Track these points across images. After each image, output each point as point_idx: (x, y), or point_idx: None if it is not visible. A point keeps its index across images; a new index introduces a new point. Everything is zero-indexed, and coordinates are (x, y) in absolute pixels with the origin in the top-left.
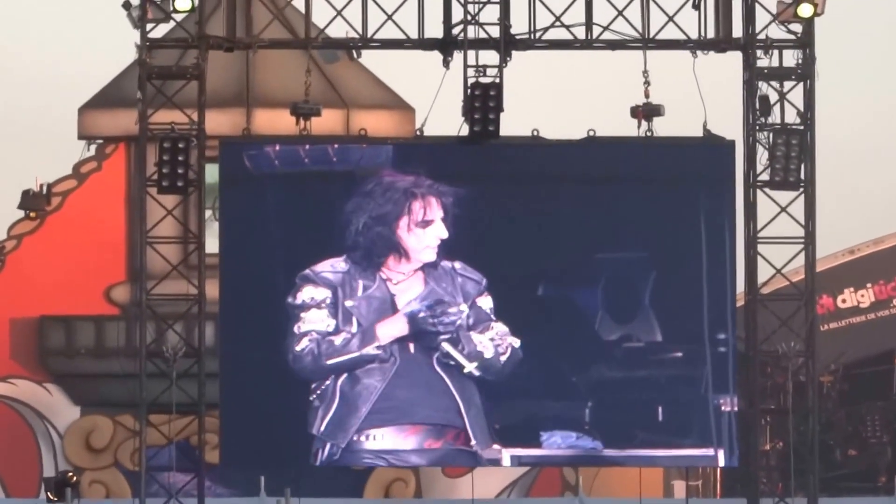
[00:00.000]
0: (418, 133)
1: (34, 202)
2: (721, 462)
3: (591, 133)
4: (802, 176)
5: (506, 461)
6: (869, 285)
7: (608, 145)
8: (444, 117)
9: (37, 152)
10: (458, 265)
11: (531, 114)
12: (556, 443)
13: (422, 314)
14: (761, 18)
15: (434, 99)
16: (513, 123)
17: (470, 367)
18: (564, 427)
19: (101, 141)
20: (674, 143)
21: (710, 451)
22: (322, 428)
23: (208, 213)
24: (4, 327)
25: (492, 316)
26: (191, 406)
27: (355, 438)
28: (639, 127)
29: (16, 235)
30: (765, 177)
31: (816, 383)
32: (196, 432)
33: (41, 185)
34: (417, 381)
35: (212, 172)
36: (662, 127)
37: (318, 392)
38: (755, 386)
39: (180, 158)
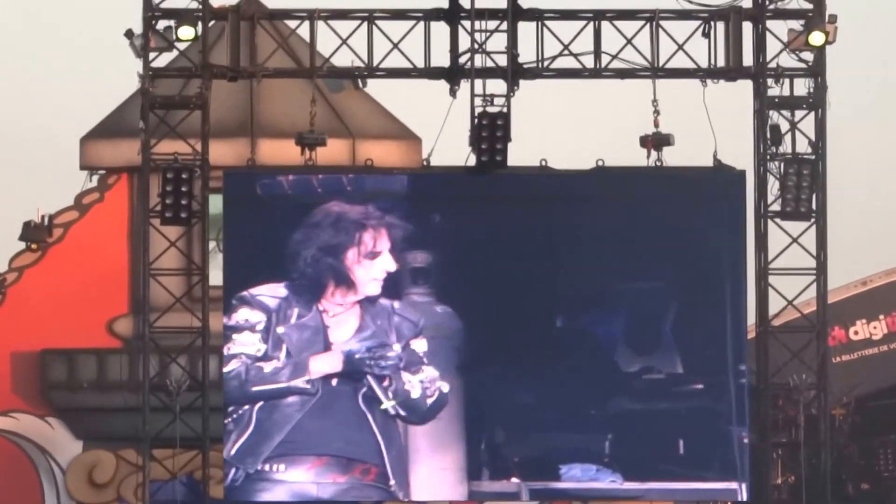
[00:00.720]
0: (425, 163)
1: (35, 234)
2: (744, 496)
3: (600, 163)
4: (814, 206)
5: (524, 495)
6: (882, 317)
7: (617, 175)
8: (451, 147)
9: (38, 183)
10: (397, 304)
11: (539, 143)
12: (575, 476)
13: (358, 355)
14: (772, 47)
15: (441, 128)
16: (521, 153)
17: (387, 405)
18: (584, 460)
19: (103, 171)
20: (683, 172)
21: (733, 485)
22: (232, 452)
23: (212, 244)
24: (5, 361)
25: (424, 360)
26: (195, 440)
27: (261, 467)
28: (648, 156)
29: (17, 268)
30: (776, 207)
31: (828, 416)
32: (200, 466)
33: (42, 217)
34: (335, 414)
35: (216, 203)
36: (672, 156)
37: (234, 416)
38: (767, 419)
39: (184, 189)
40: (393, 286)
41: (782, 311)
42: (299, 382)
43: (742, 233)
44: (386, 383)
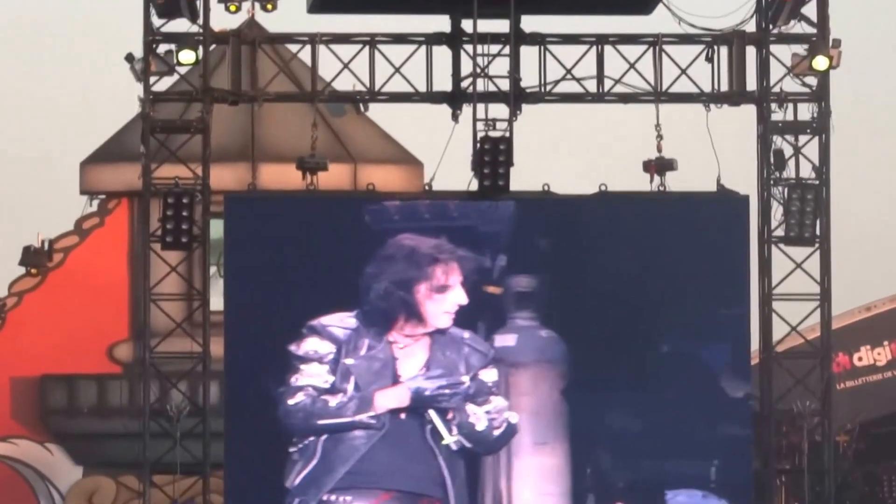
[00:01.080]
0: (427, 188)
1: (35, 258)
2: None
3: (603, 188)
4: (818, 231)
5: None
6: (886, 343)
7: (624, 198)
8: (453, 172)
9: (38, 207)
10: (467, 335)
11: (541, 168)
12: (681, 502)
13: (428, 392)
14: (776, 71)
15: (443, 153)
16: (523, 178)
17: (449, 440)
18: (690, 485)
19: (103, 196)
20: (687, 198)
21: None
22: (296, 482)
23: (213, 269)
24: (5, 386)
25: (493, 390)
26: (195, 466)
27: (325, 498)
28: (651, 181)
29: (17, 292)
30: (779, 232)
31: (832, 443)
32: (201, 493)
33: (42, 241)
34: (401, 448)
35: (216, 228)
36: (675, 181)
37: (300, 446)
38: (770, 445)
39: (184, 214)
40: (497, 311)
41: (786, 336)
42: (364, 417)
43: (745, 258)
44: (450, 416)
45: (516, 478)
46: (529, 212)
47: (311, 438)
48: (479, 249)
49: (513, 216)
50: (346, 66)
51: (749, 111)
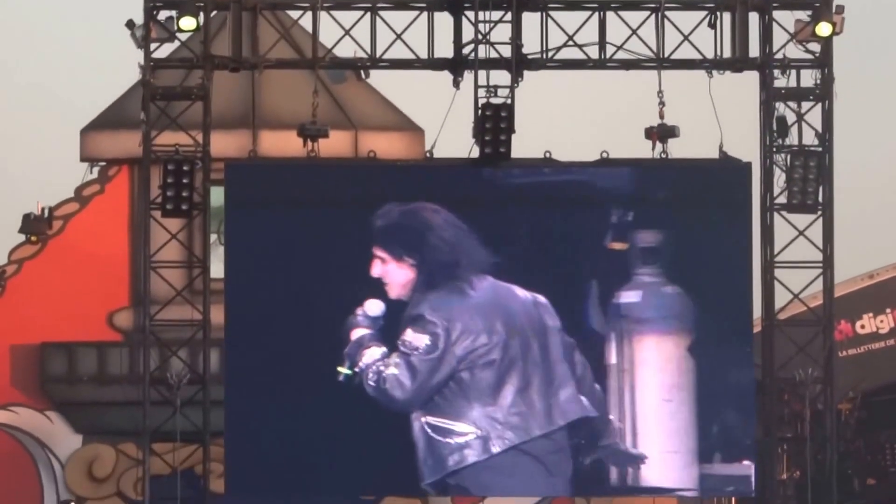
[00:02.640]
0: (428, 155)
1: (35, 226)
2: None
3: (605, 155)
4: (820, 199)
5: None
6: (888, 311)
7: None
8: (454, 139)
9: (38, 175)
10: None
11: (543, 134)
12: None
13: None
14: (779, 38)
15: (444, 120)
16: (524, 144)
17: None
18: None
19: (103, 163)
20: (689, 164)
21: None
22: None
23: (213, 236)
24: (5, 354)
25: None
26: (195, 434)
27: None
28: (653, 148)
29: (16, 260)
30: (782, 200)
31: (834, 411)
32: (201, 461)
33: (42, 209)
34: None
35: (217, 195)
36: (677, 148)
37: None
38: (772, 413)
39: (185, 181)
40: (621, 267)
41: (788, 304)
42: None
43: (747, 226)
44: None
45: (641, 436)
46: (647, 168)
47: None
48: (599, 204)
49: (631, 171)
50: (347, 32)
51: (752, 78)
